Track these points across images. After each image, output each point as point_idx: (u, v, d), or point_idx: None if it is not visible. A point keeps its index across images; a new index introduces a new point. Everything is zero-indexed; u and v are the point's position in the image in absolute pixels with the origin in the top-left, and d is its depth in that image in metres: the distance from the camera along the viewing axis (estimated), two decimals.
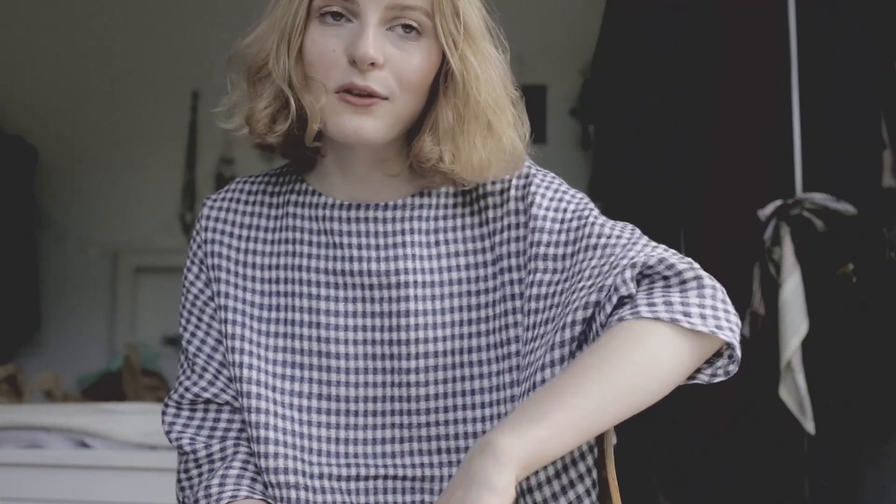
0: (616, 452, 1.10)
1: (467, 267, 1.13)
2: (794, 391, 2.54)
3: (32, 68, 4.61)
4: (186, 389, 1.16)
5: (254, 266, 1.17)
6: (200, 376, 1.16)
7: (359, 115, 1.07)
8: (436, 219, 1.15)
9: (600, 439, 1.06)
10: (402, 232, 1.13)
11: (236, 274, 1.16)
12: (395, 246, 1.13)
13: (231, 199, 1.21)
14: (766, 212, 2.68)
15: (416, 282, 1.11)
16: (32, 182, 4.55)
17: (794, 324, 2.53)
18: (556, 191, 1.14)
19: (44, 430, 2.48)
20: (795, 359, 2.53)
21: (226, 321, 1.15)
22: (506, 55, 1.15)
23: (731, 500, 3.03)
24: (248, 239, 1.18)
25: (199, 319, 1.18)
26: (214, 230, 1.19)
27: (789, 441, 2.85)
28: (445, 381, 1.11)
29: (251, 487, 1.10)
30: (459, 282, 1.12)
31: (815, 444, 2.81)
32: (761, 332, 2.64)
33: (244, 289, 1.16)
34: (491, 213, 1.14)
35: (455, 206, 1.16)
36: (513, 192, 1.14)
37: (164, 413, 1.18)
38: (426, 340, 1.10)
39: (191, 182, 4.62)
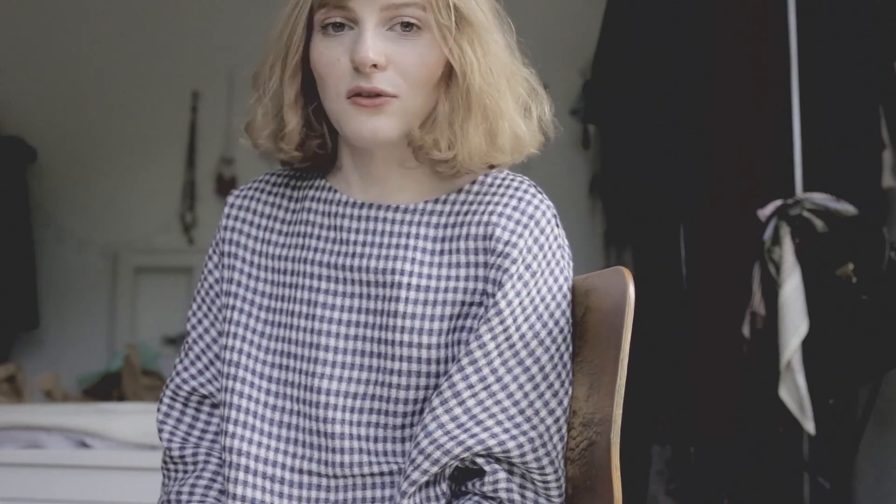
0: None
1: (466, 278, 1.11)
2: (794, 391, 2.54)
3: (32, 68, 4.61)
4: (177, 374, 1.21)
5: (267, 256, 1.19)
6: (192, 363, 1.21)
7: (372, 117, 1.09)
8: (445, 226, 1.14)
9: (606, 434, 1.06)
10: (408, 235, 1.14)
11: (251, 263, 1.19)
12: (397, 247, 1.13)
13: (256, 189, 1.23)
14: (766, 212, 2.68)
15: (409, 284, 1.11)
16: (31, 182, 4.55)
17: (794, 324, 2.53)
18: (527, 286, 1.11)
19: (44, 430, 2.48)
20: (795, 359, 2.53)
21: (228, 307, 1.17)
22: (511, 37, 1.17)
23: (732, 500, 3.03)
24: (266, 229, 1.20)
25: (209, 310, 1.21)
26: (236, 218, 1.21)
27: (789, 441, 2.86)
28: (427, 388, 1.11)
29: (217, 499, 1.14)
30: (455, 290, 1.11)
31: (815, 444, 2.82)
32: (761, 332, 2.64)
33: (254, 278, 1.18)
34: (499, 232, 1.11)
35: (467, 213, 1.14)
36: (521, 244, 1.11)
37: (160, 401, 1.22)
38: (411, 345, 1.10)
39: (191, 182, 4.62)
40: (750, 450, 2.92)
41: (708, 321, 2.91)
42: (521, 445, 1.07)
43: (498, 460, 1.08)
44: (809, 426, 2.54)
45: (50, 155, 4.56)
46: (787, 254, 2.58)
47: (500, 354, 1.08)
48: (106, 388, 3.81)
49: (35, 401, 3.39)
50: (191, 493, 1.15)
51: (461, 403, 1.07)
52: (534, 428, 1.08)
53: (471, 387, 1.07)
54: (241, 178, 4.53)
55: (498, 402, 1.08)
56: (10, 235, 4.34)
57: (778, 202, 2.68)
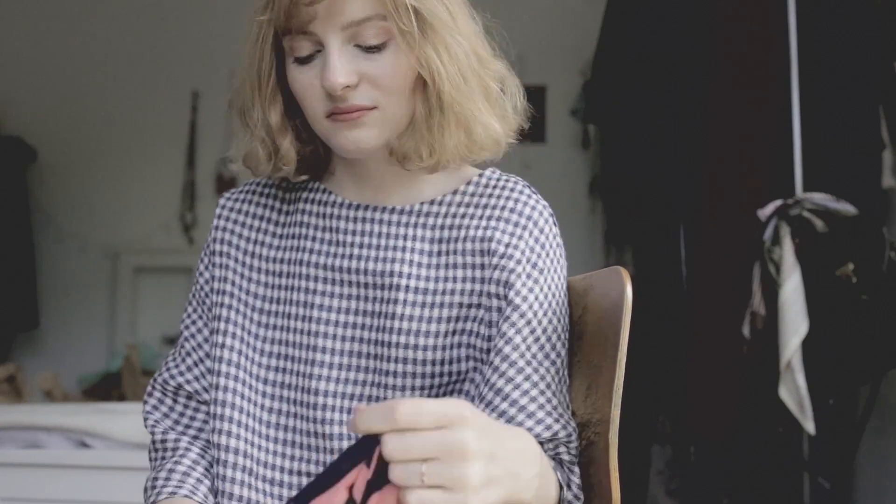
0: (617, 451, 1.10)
1: (464, 280, 1.12)
2: (794, 391, 2.54)
3: (32, 68, 4.61)
4: (167, 369, 1.21)
5: (261, 258, 1.19)
6: (182, 360, 1.20)
7: (353, 129, 1.09)
8: (441, 227, 1.14)
9: (605, 434, 1.06)
10: (405, 237, 1.14)
11: (243, 264, 1.19)
12: (394, 248, 1.13)
13: (247, 192, 1.23)
14: (766, 212, 2.68)
15: (407, 286, 1.11)
16: (31, 182, 4.55)
17: (794, 324, 2.53)
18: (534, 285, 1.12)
19: (44, 430, 2.48)
20: (795, 359, 2.53)
21: (220, 305, 1.17)
22: (479, 23, 1.14)
23: (732, 500, 3.03)
24: (258, 230, 1.20)
25: (201, 309, 1.21)
26: (227, 219, 1.21)
27: (789, 441, 2.86)
28: (423, 388, 1.11)
29: (194, 487, 1.12)
30: (452, 293, 1.11)
31: (815, 444, 2.82)
32: (761, 332, 2.64)
33: (247, 279, 1.18)
34: (498, 235, 1.12)
35: (464, 216, 1.14)
36: (522, 245, 1.12)
37: (148, 394, 1.21)
38: (408, 346, 1.10)
39: (191, 182, 4.62)
40: (750, 450, 2.92)
41: (708, 321, 2.91)
42: (569, 434, 1.08)
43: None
44: (809, 426, 2.54)
45: (50, 155, 4.56)
46: (787, 254, 2.59)
47: (529, 348, 1.08)
48: (106, 388, 3.81)
49: (35, 401, 3.39)
50: (167, 479, 1.13)
51: (505, 398, 1.07)
52: (562, 416, 1.09)
53: (510, 380, 1.07)
54: (241, 178, 4.53)
55: (540, 391, 1.08)
56: (10, 236, 4.34)
57: (778, 202, 2.68)
